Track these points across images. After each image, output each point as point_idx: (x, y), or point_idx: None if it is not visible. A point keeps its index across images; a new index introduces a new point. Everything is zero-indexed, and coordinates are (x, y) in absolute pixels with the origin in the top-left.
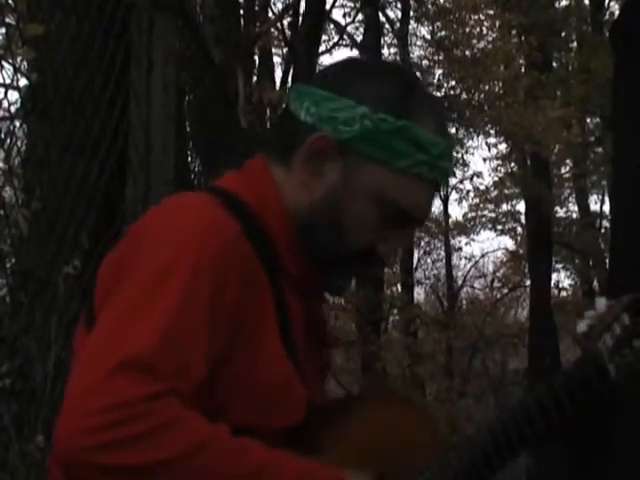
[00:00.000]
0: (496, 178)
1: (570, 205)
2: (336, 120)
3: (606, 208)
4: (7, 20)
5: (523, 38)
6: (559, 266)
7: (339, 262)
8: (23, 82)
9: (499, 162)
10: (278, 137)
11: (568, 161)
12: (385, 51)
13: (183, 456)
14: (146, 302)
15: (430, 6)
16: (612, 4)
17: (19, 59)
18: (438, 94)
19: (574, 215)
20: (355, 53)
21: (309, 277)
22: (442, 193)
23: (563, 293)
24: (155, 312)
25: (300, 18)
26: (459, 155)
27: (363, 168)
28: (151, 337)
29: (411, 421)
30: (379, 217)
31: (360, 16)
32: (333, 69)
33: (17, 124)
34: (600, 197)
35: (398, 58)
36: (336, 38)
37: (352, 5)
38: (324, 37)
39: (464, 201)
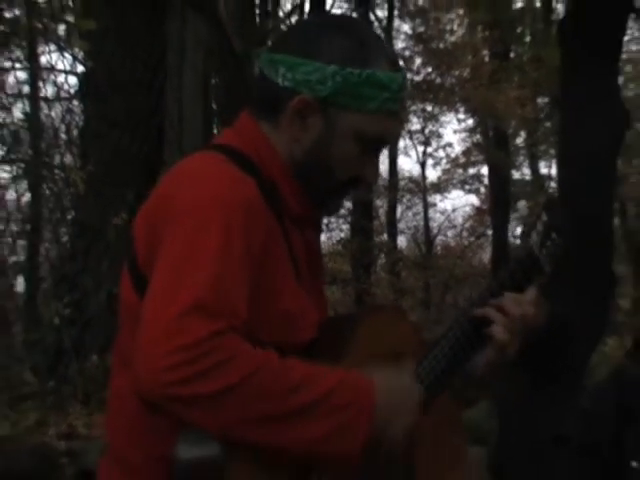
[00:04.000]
0: (464, 147)
1: (524, 169)
2: (311, 82)
3: (553, 172)
4: (67, 18)
5: (487, 33)
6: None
7: (334, 192)
8: (80, 69)
9: (467, 134)
10: (261, 98)
11: (523, 133)
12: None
13: (246, 380)
14: (195, 254)
15: (411, 7)
16: (559, 6)
17: (77, 49)
18: (417, 78)
19: (527, 177)
20: None
21: (308, 213)
22: (420, 159)
23: (517, 241)
24: (204, 262)
25: (305, 16)
26: (434, 128)
27: (341, 116)
28: (205, 283)
29: (401, 328)
30: (360, 151)
31: (354, 15)
32: (293, 33)
33: (75, 103)
34: (549, 163)
35: None
36: None
37: (347, 6)
38: None
39: (438, 166)
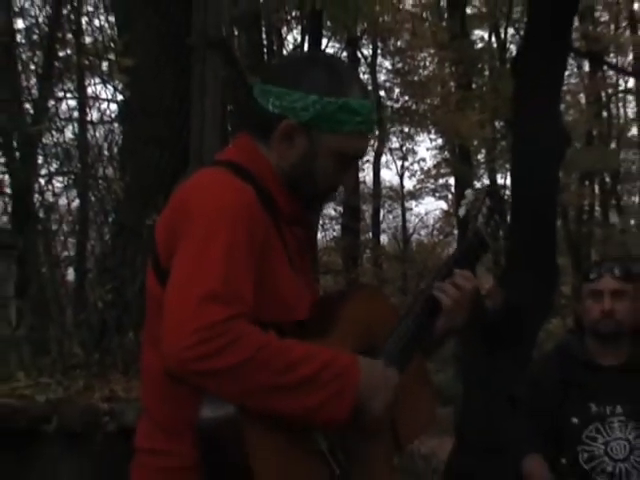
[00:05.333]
0: (435, 161)
1: (484, 180)
2: (296, 109)
3: (508, 182)
4: (109, 56)
5: (453, 68)
6: None
7: (317, 198)
8: (120, 97)
9: (437, 151)
10: (255, 123)
11: (483, 150)
12: (361, 76)
13: (251, 357)
14: (206, 252)
15: (392, 47)
16: (512, 47)
17: (117, 82)
18: (396, 105)
19: None
20: None
21: (298, 214)
22: (399, 172)
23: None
24: (215, 258)
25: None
26: (410, 146)
27: (321, 137)
28: (217, 276)
29: (379, 302)
30: (337, 165)
31: (344, 53)
32: (281, 68)
33: (115, 126)
34: (504, 175)
35: (370, 82)
36: None
37: (339, 45)
38: None
39: (413, 177)
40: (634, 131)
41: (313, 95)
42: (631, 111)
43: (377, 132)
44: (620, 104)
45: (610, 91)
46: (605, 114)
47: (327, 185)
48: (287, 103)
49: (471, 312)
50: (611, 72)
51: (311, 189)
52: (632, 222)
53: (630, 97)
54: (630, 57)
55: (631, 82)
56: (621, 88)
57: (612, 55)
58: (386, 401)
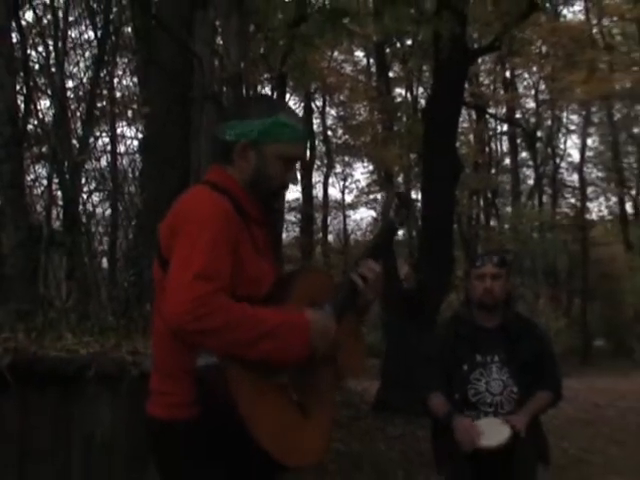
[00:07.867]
0: (367, 182)
1: None
2: (245, 132)
3: (419, 197)
4: (133, 106)
5: (380, 115)
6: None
7: (273, 195)
8: (140, 136)
9: (369, 174)
10: (220, 152)
11: (402, 174)
12: (314, 120)
13: (230, 319)
14: (196, 244)
15: (336, 99)
16: (422, 101)
17: (138, 125)
18: (339, 142)
19: None
20: None
21: (260, 215)
22: (341, 189)
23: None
24: (201, 249)
25: None
26: (349, 171)
27: (267, 148)
28: (204, 261)
29: (321, 277)
30: (283, 166)
31: (302, 104)
32: (233, 109)
33: (137, 156)
34: (417, 192)
35: (321, 125)
36: None
37: (298, 98)
38: None
39: (351, 193)
40: (507, 161)
41: (256, 120)
42: (505, 147)
43: (325, 161)
44: (498, 142)
45: (490, 133)
46: (487, 149)
47: (278, 184)
48: (239, 130)
49: (381, 290)
50: (491, 119)
51: (267, 189)
52: (506, 226)
53: (504, 137)
54: (504, 109)
55: (505, 127)
56: (498, 131)
57: (492, 107)
58: (329, 338)
